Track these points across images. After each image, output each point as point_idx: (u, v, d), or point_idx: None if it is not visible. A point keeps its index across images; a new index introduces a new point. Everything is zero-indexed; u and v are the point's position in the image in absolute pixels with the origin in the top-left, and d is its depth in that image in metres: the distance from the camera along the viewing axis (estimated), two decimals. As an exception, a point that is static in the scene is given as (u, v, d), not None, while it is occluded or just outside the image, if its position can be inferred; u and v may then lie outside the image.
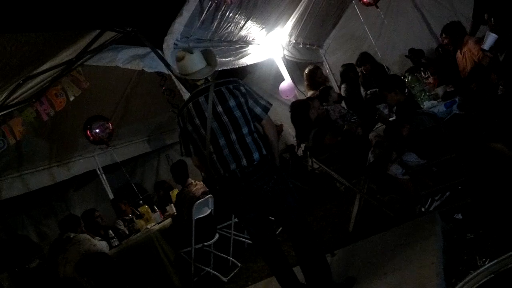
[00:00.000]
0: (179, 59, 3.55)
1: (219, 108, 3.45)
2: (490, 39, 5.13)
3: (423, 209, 4.55)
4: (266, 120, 3.63)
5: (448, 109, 4.94)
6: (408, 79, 5.48)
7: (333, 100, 6.72)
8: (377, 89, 7.29)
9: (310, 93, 7.24)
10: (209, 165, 3.53)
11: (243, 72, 8.70)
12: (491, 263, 1.97)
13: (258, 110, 3.58)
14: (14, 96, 4.85)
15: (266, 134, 3.67)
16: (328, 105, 6.49)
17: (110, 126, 6.70)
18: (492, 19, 5.27)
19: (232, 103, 3.47)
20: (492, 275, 1.91)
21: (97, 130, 6.49)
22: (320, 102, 6.24)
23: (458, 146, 4.49)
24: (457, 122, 4.71)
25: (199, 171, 3.90)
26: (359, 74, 8.03)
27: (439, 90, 5.63)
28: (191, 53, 3.52)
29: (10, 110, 5.10)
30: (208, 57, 3.63)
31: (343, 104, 7.75)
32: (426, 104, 5.21)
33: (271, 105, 3.69)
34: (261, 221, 3.61)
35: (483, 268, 1.98)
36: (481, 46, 5.29)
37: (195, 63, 3.53)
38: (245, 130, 3.47)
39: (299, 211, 3.55)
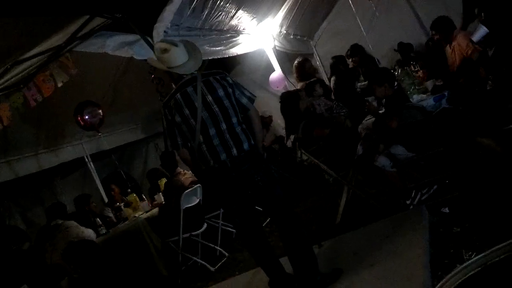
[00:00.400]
0: (162, 51, 3.45)
1: (209, 98, 3.45)
2: (481, 32, 5.15)
3: (407, 202, 4.58)
4: (252, 110, 3.67)
5: (437, 103, 4.96)
6: (397, 72, 5.50)
7: (318, 94, 6.71)
8: (366, 82, 7.31)
9: (299, 85, 7.24)
10: (197, 157, 3.52)
11: (233, 62, 8.66)
12: (478, 256, 1.97)
13: (244, 100, 3.60)
14: (2, 81, 4.79)
15: (252, 125, 3.68)
16: (314, 99, 6.49)
17: (101, 112, 6.62)
18: (483, 14, 5.28)
19: (221, 92, 3.48)
20: (479, 268, 1.91)
21: (87, 116, 6.40)
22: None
23: (446, 140, 4.51)
24: (446, 116, 4.74)
25: (185, 164, 3.85)
26: (350, 66, 8.02)
27: (428, 84, 5.65)
28: (176, 45, 3.45)
29: (-3, 95, 5.04)
30: (190, 49, 3.57)
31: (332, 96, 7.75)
32: (415, 98, 5.23)
33: (255, 96, 3.72)
34: (247, 212, 3.63)
35: (470, 261, 1.98)
36: (470, 37, 5.30)
37: (180, 56, 3.47)
38: (234, 120, 3.49)
39: (287, 201, 3.60)
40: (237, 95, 3.58)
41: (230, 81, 3.59)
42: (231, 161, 3.42)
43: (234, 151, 3.42)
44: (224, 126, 3.44)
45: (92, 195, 7.40)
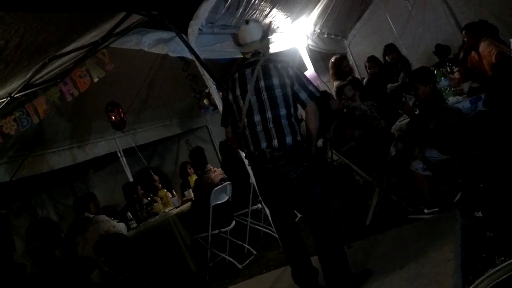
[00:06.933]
0: (245, 24, 3.64)
1: (261, 83, 3.46)
2: None
3: (426, 211, 4.52)
4: (310, 107, 3.54)
5: (473, 106, 4.87)
6: (433, 74, 5.40)
7: (347, 97, 6.64)
8: (399, 84, 7.24)
9: (336, 83, 7.16)
10: (241, 139, 3.57)
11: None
12: (510, 261, 1.93)
13: (303, 95, 3.49)
14: (39, 75, 4.90)
15: (307, 121, 3.61)
16: (352, 102, 6.44)
17: (122, 114, 6.72)
18: None
19: (275, 81, 3.45)
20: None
21: (114, 117, 6.52)
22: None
23: (481, 143, 4.42)
24: (482, 119, 4.64)
25: (233, 143, 3.87)
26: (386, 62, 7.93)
27: (465, 86, 5.55)
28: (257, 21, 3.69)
29: (35, 89, 5.15)
30: (265, 32, 3.70)
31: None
32: (451, 100, 5.14)
33: (320, 92, 3.66)
34: (282, 203, 3.59)
35: (501, 265, 1.94)
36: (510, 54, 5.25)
37: (255, 32, 3.61)
38: (282, 111, 3.45)
39: (324, 204, 3.54)
40: (296, 89, 3.48)
41: (291, 72, 3.49)
42: (271, 152, 3.40)
43: (275, 142, 3.39)
44: (269, 115, 3.43)
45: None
